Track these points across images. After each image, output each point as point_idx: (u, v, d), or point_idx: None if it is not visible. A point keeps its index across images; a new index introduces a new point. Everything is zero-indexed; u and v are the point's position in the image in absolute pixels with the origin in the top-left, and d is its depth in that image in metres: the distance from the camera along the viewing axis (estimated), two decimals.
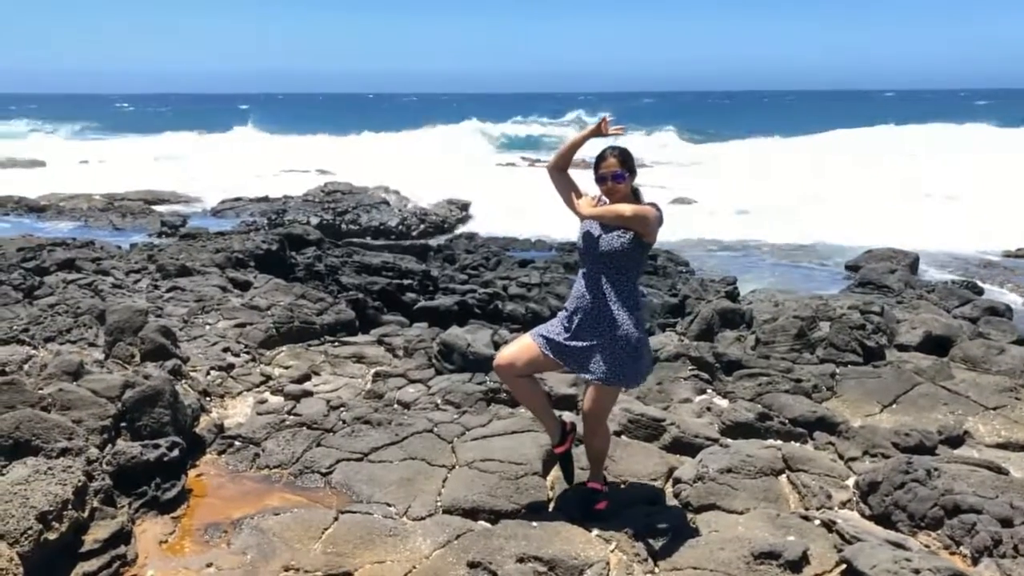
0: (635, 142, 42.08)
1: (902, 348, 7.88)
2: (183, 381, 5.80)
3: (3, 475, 3.87)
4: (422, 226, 21.53)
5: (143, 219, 21.34)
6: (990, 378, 6.88)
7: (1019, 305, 12.31)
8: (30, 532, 3.46)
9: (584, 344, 4.00)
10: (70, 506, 3.75)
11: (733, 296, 10.47)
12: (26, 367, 5.36)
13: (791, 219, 21.45)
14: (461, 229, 21.20)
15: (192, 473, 4.80)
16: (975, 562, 3.78)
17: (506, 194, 25.03)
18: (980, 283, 13.51)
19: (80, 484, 3.89)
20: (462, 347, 6.51)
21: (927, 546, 3.94)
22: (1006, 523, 3.84)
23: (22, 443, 4.13)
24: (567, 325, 4.08)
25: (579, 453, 4.53)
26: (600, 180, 4.04)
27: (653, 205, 3.98)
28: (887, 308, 8.78)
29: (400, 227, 21.40)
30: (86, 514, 3.87)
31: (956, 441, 5.70)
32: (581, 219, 4.10)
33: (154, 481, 4.39)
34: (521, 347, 4.20)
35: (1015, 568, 3.63)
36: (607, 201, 4.06)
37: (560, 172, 4.19)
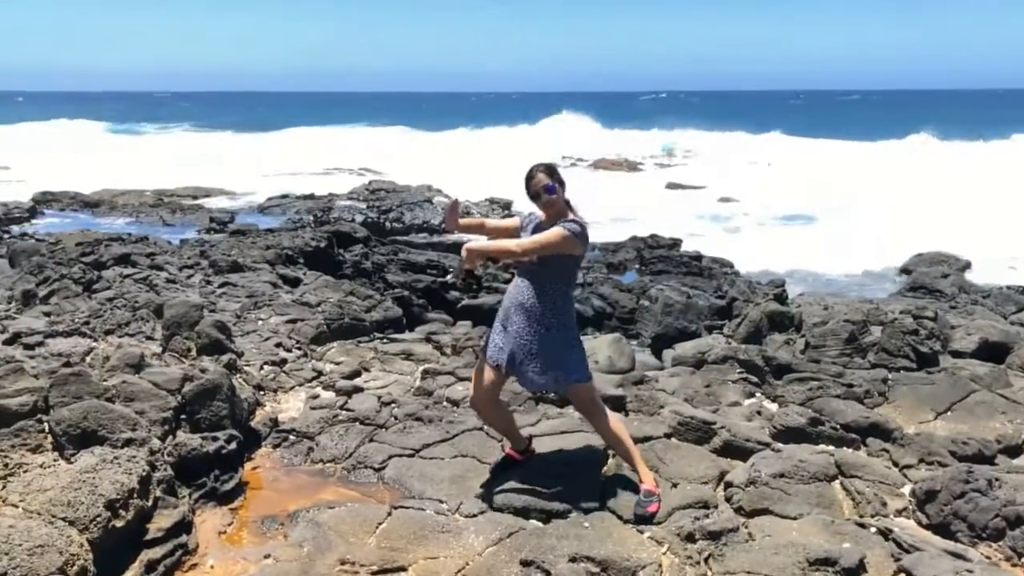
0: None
1: (957, 355, 7.71)
2: (238, 375, 5.91)
3: (71, 463, 4.00)
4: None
5: (192, 215, 21.80)
6: None
7: None
8: (99, 519, 3.57)
9: (530, 356, 4.19)
10: (135, 495, 3.86)
11: (782, 299, 10.33)
12: (88, 359, 5.51)
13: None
14: None
15: (248, 466, 4.90)
16: None
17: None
18: None
19: (144, 474, 4.00)
20: None
21: (988, 557, 3.87)
22: None
23: (89, 433, 4.25)
24: (502, 333, 4.30)
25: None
26: (535, 197, 4.18)
27: (574, 222, 4.08)
28: (941, 314, 8.61)
29: (442, 224, 21.54)
30: (150, 503, 3.97)
31: (1015, 451, 5.57)
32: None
33: (213, 473, 4.50)
34: (483, 373, 4.39)
35: None
36: (540, 217, 4.24)
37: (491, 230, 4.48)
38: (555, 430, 5.17)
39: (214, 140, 49.27)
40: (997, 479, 4.24)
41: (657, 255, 15.03)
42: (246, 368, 6.30)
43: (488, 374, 4.35)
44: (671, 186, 29.28)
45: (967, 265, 15.62)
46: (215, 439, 4.61)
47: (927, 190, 25.85)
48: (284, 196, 24.50)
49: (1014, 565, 3.82)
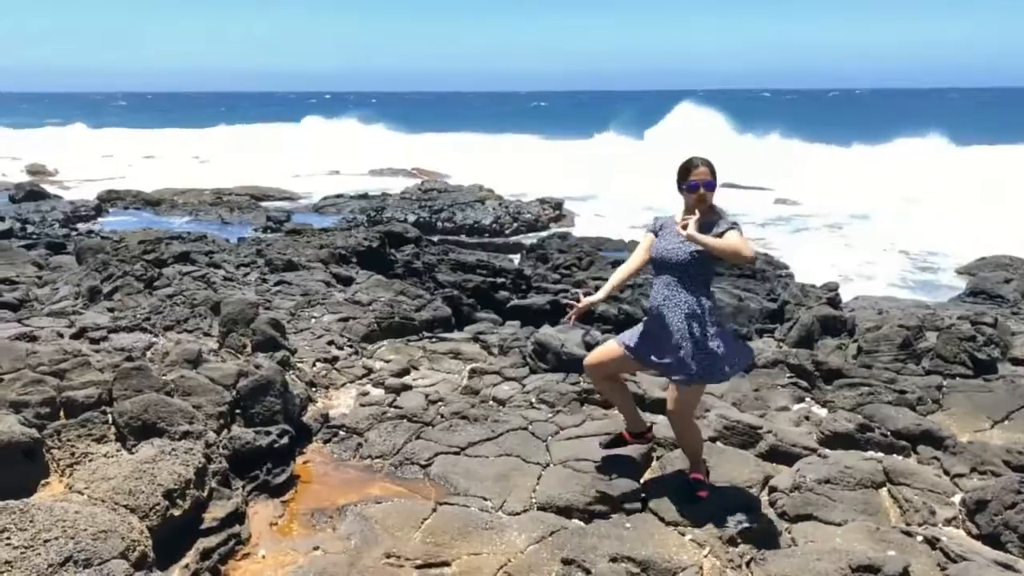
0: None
1: (1017, 362, 7.52)
2: (291, 372, 6.08)
3: (133, 453, 4.18)
4: (515, 224, 21.76)
5: (249, 214, 22.29)
6: None
7: None
8: (158, 508, 3.73)
9: (662, 348, 4.18)
10: (192, 485, 4.02)
11: (835, 303, 10.18)
12: (149, 353, 5.73)
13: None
14: (554, 228, 21.32)
15: (300, 460, 5.04)
16: None
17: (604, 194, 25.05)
18: None
19: (200, 465, 4.15)
20: (556, 347, 6.58)
21: None
22: None
23: (149, 425, 4.42)
24: (645, 331, 4.32)
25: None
26: (692, 188, 4.13)
27: (736, 225, 4.06)
28: (1001, 320, 8.39)
29: (494, 225, 21.68)
30: (205, 493, 4.13)
31: None
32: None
33: (265, 466, 4.65)
34: (607, 350, 4.53)
35: None
36: (674, 216, 4.21)
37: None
38: (600, 431, 5.20)
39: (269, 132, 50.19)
40: None
41: None
42: (299, 365, 6.47)
43: (616, 354, 4.40)
44: (725, 185, 28.95)
45: None
46: (268, 433, 4.76)
47: (985, 191, 25.12)
48: (339, 196, 24.93)
49: None
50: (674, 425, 4.38)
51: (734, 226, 4.05)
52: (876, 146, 39.45)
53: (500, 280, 12.59)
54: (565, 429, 5.30)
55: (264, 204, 24.25)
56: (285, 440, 4.83)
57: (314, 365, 6.63)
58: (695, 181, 4.11)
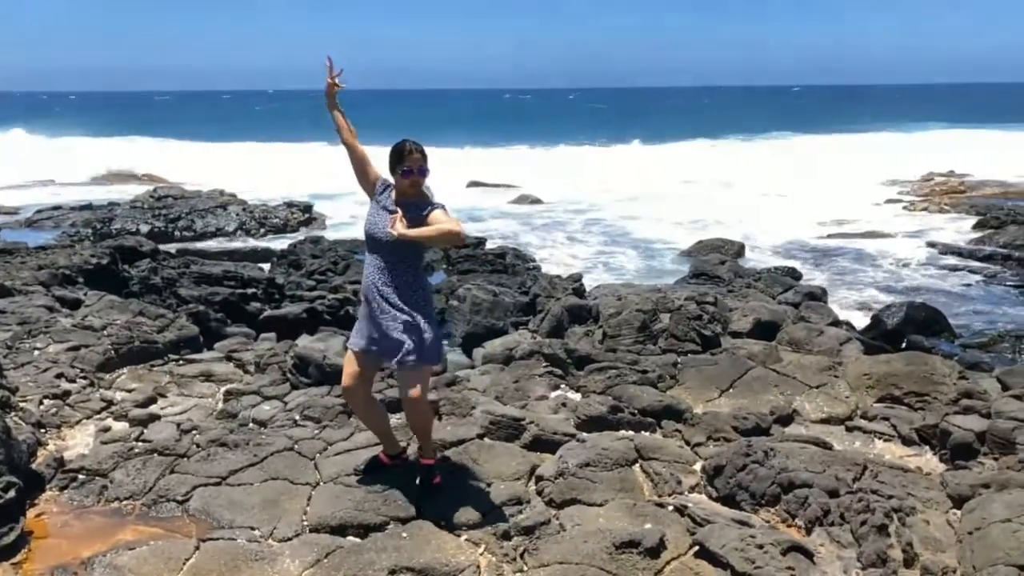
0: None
1: (735, 335, 8.46)
2: (12, 414, 5.39)
3: None
4: (262, 230, 20.89)
5: None
6: (812, 358, 7.54)
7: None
8: None
9: (382, 334, 4.25)
10: None
11: (580, 292, 10.85)
12: None
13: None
14: (304, 232, 20.73)
15: (31, 513, 4.48)
16: (808, 532, 4.17)
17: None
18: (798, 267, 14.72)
19: None
20: (318, 359, 6.41)
21: (767, 521, 4.31)
22: (833, 494, 4.26)
23: None
24: (362, 322, 4.36)
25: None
26: (406, 174, 4.21)
27: (443, 207, 4.23)
28: (720, 298, 9.40)
29: (238, 232, 20.68)
30: None
31: (787, 420, 6.22)
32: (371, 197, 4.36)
33: None
34: (347, 363, 4.49)
35: (842, 535, 4.04)
36: (392, 199, 4.27)
37: (349, 146, 4.45)
38: (369, 442, 5.12)
39: None
40: (772, 449, 4.72)
41: (464, 254, 15.24)
42: (22, 404, 5.75)
43: (352, 362, 4.40)
44: (472, 184, 29.76)
45: (741, 249, 17.13)
46: None
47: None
48: (56, 208, 22.42)
49: (789, 526, 4.28)
50: (409, 412, 4.43)
51: (439, 206, 4.19)
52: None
53: (250, 291, 12.01)
54: (333, 444, 5.17)
55: None
56: (12, 494, 4.25)
57: (41, 403, 5.92)
58: (409, 167, 4.19)
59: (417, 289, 4.25)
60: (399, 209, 4.16)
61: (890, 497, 4.15)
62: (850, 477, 4.41)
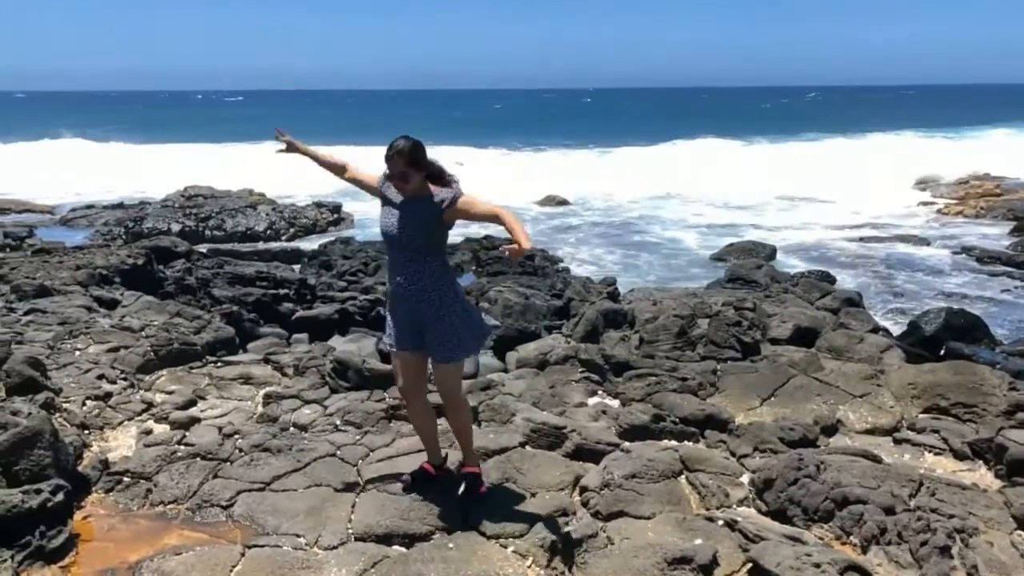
0: None
1: (774, 342, 8.35)
2: (58, 415, 5.42)
3: None
4: (291, 230, 20.99)
5: None
6: (853, 366, 7.40)
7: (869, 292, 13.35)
8: None
9: (416, 331, 4.21)
10: None
11: (614, 296, 10.78)
12: None
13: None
14: (334, 232, 20.81)
15: (78, 516, 4.48)
16: (864, 551, 4.07)
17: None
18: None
19: None
20: (357, 364, 6.38)
21: (821, 538, 4.21)
22: (889, 511, 4.15)
23: None
24: (394, 321, 4.30)
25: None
26: (389, 178, 4.16)
27: (462, 194, 4.11)
28: (758, 303, 9.28)
29: (268, 231, 20.79)
30: None
31: (831, 430, 6.11)
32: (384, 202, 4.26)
33: (38, 529, 4.08)
34: (395, 365, 4.47)
35: (900, 554, 3.94)
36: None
37: (349, 178, 4.55)
38: (412, 448, 5.09)
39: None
40: (823, 463, 4.62)
41: (493, 256, 15.22)
42: (66, 406, 5.78)
43: (398, 362, 4.37)
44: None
45: (773, 252, 16.94)
46: (39, 492, 4.18)
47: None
48: (89, 207, 22.70)
49: (843, 544, 4.18)
50: (451, 411, 4.42)
51: (459, 194, 4.07)
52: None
53: (283, 291, 12.07)
54: (375, 450, 5.14)
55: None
56: (60, 497, 4.26)
57: (84, 404, 5.94)
58: (390, 172, 4.11)
59: (444, 281, 4.16)
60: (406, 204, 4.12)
61: (951, 516, 4.04)
62: (906, 493, 4.30)
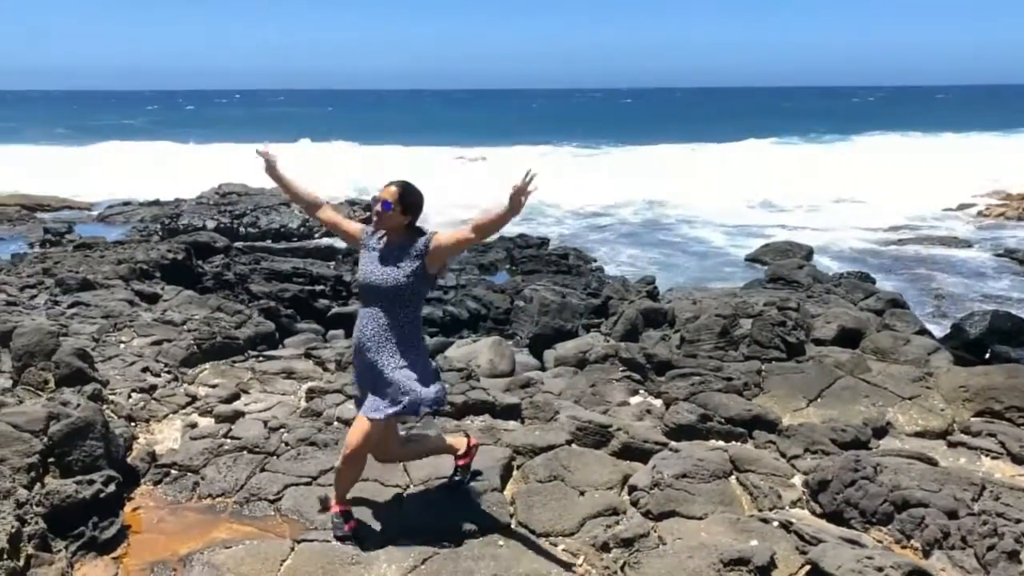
0: None
1: (818, 342, 8.20)
2: (106, 407, 5.45)
3: None
4: (324, 228, 21.08)
5: (22, 226, 20.04)
6: (901, 368, 7.25)
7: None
8: None
9: (372, 386, 3.94)
10: (5, 555, 3.48)
11: (654, 295, 10.68)
12: None
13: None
14: None
15: (128, 507, 4.51)
16: (926, 555, 3.96)
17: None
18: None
19: (13, 530, 3.60)
20: None
21: (880, 542, 4.11)
22: (952, 515, 4.04)
23: None
24: (355, 374, 4.11)
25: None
26: (374, 201, 3.94)
27: (434, 233, 3.92)
28: (802, 303, 9.13)
29: (302, 229, 20.89)
30: (22, 562, 3.58)
31: (881, 432, 5.98)
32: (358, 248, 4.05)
33: (91, 520, 4.10)
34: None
35: (965, 559, 3.82)
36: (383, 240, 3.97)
37: (322, 219, 4.20)
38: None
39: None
40: (880, 464, 4.51)
41: (527, 255, 15.17)
42: (112, 398, 5.82)
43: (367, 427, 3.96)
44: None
45: (809, 253, 16.70)
46: (91, 482, 4.21)
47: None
48: (126, 203, 22.98)
49: (903, 547, 4.07)
50: (342, 457, 4.05)
51: (432, 233, 3.89)
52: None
53: (319, 288, 12.13)
54: None
55: (40, 215, 21.87)
56: (112, 488, 4.29)
57: (130, 396, 5.98)
58: (376, 198, 3.91)
59: (408, 333, 3.90)
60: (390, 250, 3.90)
61: (1018, 521, 3.91)
62: (968, 497, 4.18)
